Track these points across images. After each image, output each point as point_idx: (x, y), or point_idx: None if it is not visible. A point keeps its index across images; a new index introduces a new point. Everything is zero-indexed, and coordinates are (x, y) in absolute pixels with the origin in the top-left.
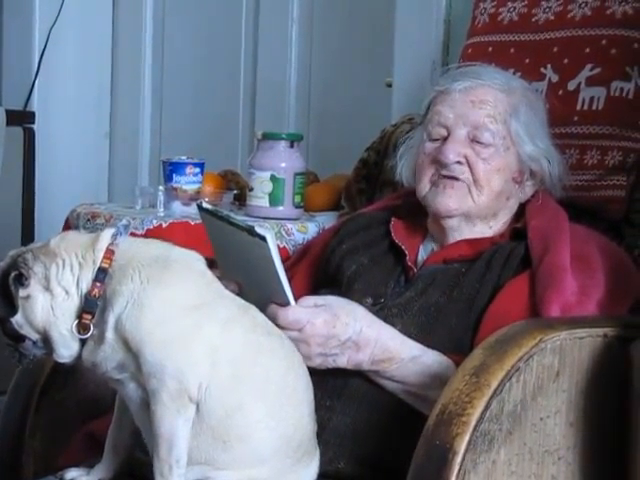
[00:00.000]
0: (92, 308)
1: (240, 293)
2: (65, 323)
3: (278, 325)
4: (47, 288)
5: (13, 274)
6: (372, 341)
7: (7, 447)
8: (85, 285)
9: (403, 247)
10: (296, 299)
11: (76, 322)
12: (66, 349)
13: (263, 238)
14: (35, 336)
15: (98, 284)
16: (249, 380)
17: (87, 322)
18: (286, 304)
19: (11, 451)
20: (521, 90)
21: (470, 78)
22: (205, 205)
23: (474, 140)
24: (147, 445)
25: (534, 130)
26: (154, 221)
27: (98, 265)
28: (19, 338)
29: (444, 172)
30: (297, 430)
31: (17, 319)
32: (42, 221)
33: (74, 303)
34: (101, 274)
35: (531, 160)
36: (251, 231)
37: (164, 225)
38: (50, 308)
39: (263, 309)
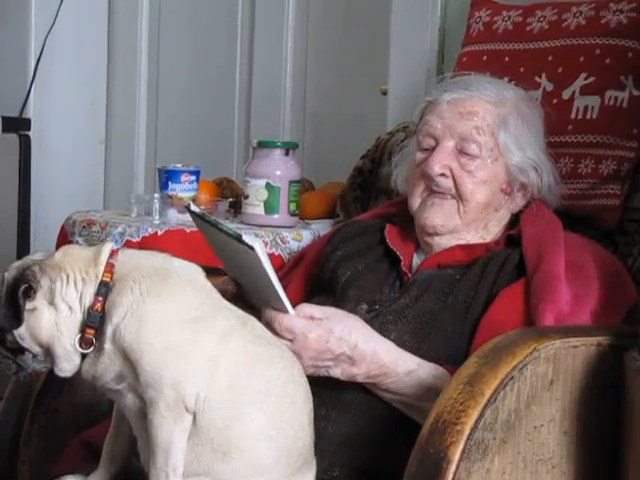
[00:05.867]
0: (95, 323)
1: (239, 293)
2: (69, 338)
3: (272, 328)
4: (51, 302)
5: (23, 286)
6: (367, 357)
7: (2, 455)
8: (88, 300)
9: (398, 252)
10: (293, 305)
11: (79, 337)
12: (68, 363)
13: (251, 248)
14: (37, 349)
15: (100, 298)
16: (248, 391)
17: (90, 337)
18: (283, 311)
19: (6, 459)
20: (513, 101)
21: (460, 89)
22: (193, 208)
23: (461, 151)
24: (141, 454)
25: (524, 141)
26: (150, 229)
27: (100, 279)
28: (19, 351)
29: (433, 187)
30: (297, 440)
31: (20, 332)
32: (38, 228)
33: (77, 318)
34: (103, 288)
35: (520, 171)
36: (239, 239)
37: (160, 233)
38: (55, 323)
39: (262, 308)
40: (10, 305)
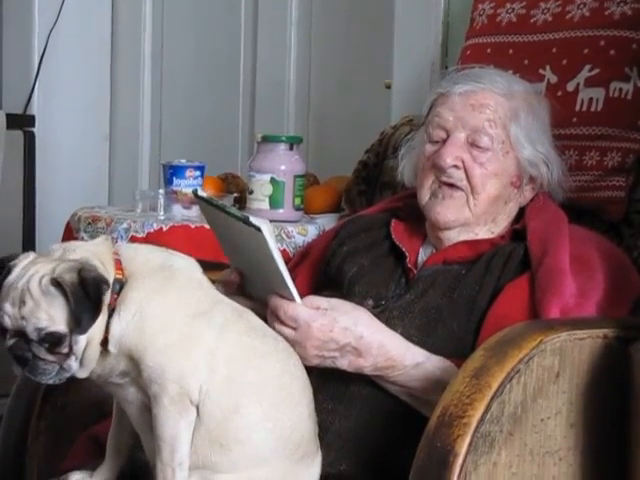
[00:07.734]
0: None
1: (242, 282)
2: (100, 338)
3: (277, 316)
4: None
5: (104, 287)
6: (374, 349)
7: (10, 451)
8: (107, 298)
9: (403, 249)
10: (301, 295)
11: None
12: (92, 363)
13: (258, 229)
14: (81, 352)
15: (115, 296)
16: (245, 383)
17: (108, 335)
18: (289, 298)
19: (14, 455)
20: (522, 94)
21: (471, 81)
22: (200, 193)
23: (473, 144)
24: (145, 448)
25: (534, 135)
26: (155, 224)
27: (113, 277)
28: (66, 355)
29: (443, 178)
30: (295, 432)
31: (81, 335)
32: (43, 225)
33: (105, 317)
34: (117, 285)
35: (530, 165)
36: (246, 221)
37: (165, 228)
38: (102, 323)
39: (266, 298)
40: (94, 307)
